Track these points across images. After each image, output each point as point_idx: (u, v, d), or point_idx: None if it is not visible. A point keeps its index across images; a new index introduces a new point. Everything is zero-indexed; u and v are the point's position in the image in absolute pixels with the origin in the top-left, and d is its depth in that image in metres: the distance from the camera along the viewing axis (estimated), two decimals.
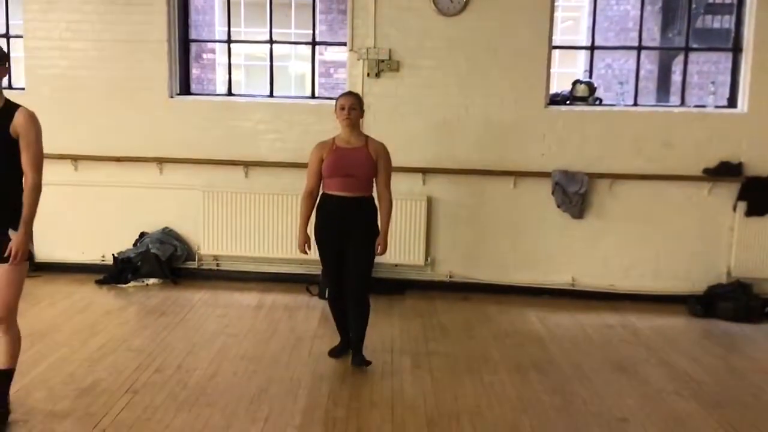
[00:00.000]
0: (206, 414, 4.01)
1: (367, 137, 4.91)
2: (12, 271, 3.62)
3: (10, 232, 3.60)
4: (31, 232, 3.69)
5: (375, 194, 4.87)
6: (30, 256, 3.78)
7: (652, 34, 10.92)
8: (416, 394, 4.36)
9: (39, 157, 3.68)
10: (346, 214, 4.76)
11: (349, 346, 4.93)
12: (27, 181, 3.65)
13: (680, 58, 10.64)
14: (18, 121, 3.61)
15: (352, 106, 4.80)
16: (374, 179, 4.84)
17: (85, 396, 4.20)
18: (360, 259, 4.78)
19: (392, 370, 4.76)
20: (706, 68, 11.39)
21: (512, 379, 4.67)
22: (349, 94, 5.03)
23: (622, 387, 4.58)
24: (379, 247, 4.81)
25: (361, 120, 4.93)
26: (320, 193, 4.90)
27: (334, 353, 5.01)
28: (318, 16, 7.61)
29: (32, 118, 3.67)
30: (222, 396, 4.25)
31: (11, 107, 3.66)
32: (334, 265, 4.84)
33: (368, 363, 4.80)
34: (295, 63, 13.54)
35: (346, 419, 4.00)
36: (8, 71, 3.96)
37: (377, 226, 4.85)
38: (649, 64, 11.35)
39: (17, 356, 3.84)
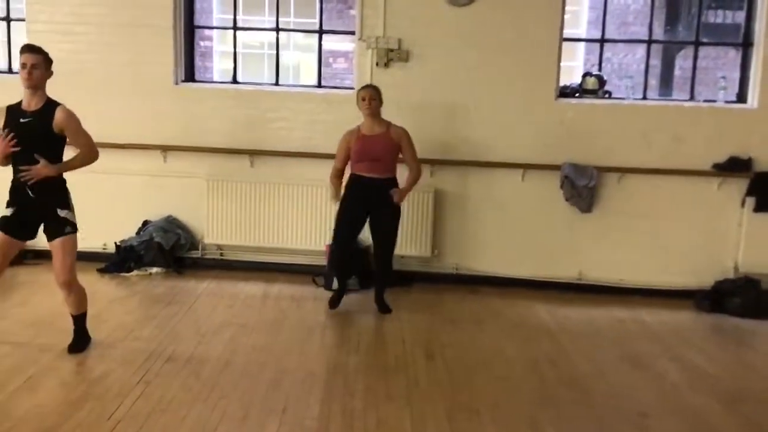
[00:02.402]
0: (222, 405, 3.94)
1: (388, 124, 5.61)
2: (66, 242, 4.36)
3: (59, 211, 4.35)
4: (72, 205, 4.47)
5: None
6: (75, 227, 4.45)
7: (654, 28, 10.90)
8: (432, 387, 4.31)
9: (88, 140, 4.49)
10: (372, 192, 5.51)
11: (344, 294, 5.79)
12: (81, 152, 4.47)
13: (683, 52, 10.71)
14: (58, 119, 4.31)
15: (372, 96, 5.53)
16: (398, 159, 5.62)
17: (97, 386, 4.13)
18: (389, 230, 5.61)
19: (405, 362, 4.72)
20: (705, 63, 11.41)
21: (527, 373, 4.64)
22: (369, 86, 5.69)
23: (638, 382, 4.56)
24: (396, 196, 5.53)
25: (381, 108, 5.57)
26: (349, 173, 5.62)
27: (333, 302, 5.71)
28: (322, 4, 7.49)
29: (70, 114, 4.38)
30: (236, 387, 4.19)
31: (51, 106, 4.35)
32: (348, 223, 5.59)
33: (390, 310, 5.68)
34: (292, 52, 13.44)
35: (364, 411, 3.95)
36: (52, 74, 4.46)
37: (399, 207, 5.63)
38: (652, 59, 11.34)
39: (86, 303, 4.61)
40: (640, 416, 4.05)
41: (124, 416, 3.77)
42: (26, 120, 4.31)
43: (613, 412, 4.09)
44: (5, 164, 4.38)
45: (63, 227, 4.37)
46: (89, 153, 4.48)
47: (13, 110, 4.35)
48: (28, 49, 4.35)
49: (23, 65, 4.28)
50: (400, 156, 5.66)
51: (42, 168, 4.29)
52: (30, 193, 4.33)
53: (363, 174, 5.52)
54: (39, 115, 4.30)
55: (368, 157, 5.49)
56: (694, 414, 4.11)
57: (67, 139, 4.47)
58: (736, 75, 6.62)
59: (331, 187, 5.77)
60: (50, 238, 4.40)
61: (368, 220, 5.65)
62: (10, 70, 6.83)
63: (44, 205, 4.36)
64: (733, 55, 11.20)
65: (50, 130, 4.29)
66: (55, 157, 4.38)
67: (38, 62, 4.31)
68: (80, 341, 4.63)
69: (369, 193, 5.53)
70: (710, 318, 6.05)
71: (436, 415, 3.95)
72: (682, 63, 10.95)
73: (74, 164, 4.46)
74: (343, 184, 5.67)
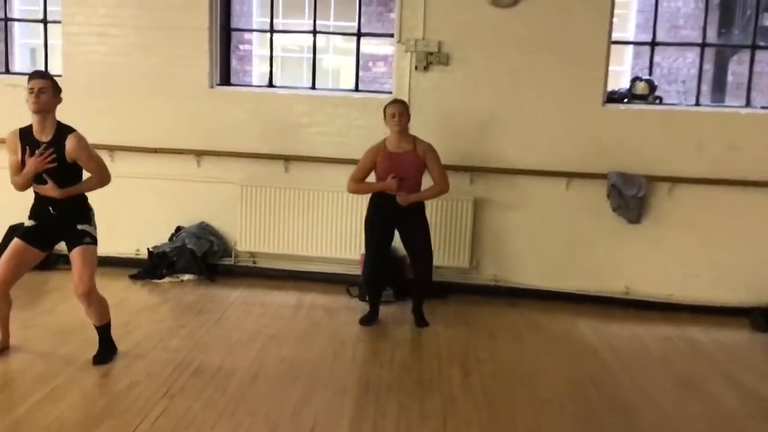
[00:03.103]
0: (247, 423, 3.76)
1: (414, 139, 5.37)
2: (84, 252, 4.32)
3: (78, 225, 4.34)
4: (95, 222, 4.47)
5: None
6: (95, 239, 4.43)
7: (706, 32, 10.50)
8: (469, 408, 4.08)
9: (99, 166, 4.41)
10: (398, 210, 5.30)
11: (377, 314, 5.54)
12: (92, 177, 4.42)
13: (737, 57, 10.28)
14: (69, 150, 4.23)
15: (402, 112, 5.28)
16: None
17: (121, 400, 3.98)
18: (421, 243, 5.41)
19: (441, 379, 4.49)
20: (759, 68, 10.96)
21: (570, 394, 4.37)
22: (397, 102, 5.40)
23: (690, 407, 4.26)
24: (401, 197, 5.24)
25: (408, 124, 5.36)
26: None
27: (365, 321, 5.47)
28: (361, 7, 7.30)
29: (80, 143, 4.28)
30: (264, 403, 4.01)
31: (62, 134, 4.24)
32: (379, 248, 5.43)
33: (427, 323, 5.49)
34: (332, 56, 13.30)
35: None
36: (60, 101, 4.34)
37: (425, 215, 5.46)
38: (703, 64, 10.93)
39: (108, 314, 4.52)
40: None
41: None
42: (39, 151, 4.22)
43: None
44: (27, 187, 4.33)
45: (82, 238, 4.36)
46: (100, 178, 4.42)
47: (27, 136, 4.26)
48: (35, 74, 4.27)
49: (30, 90, 4.18)
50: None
51: (49, 189, 4.27)
52: (51, 210, 4.35)
53: (389, 192, 5.30)
54: (52, 147, 4.22)
55: (397, 171, 5.26)
56: None
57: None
58: None
59: (369, 189, 5.43)
60: (70, 249, 4.38)
61: (399, 234, 5.47)
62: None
63: (64, 222, 4.36)
64: None
65: (63, 160, 4.24)
66: (74, 181, 4.36)
67: (46, 87, 4.19)
68: (105, 352, 4.51)
69: (394, 211, 5.31)
70: (767, 338, 5.69)
71: None
72: (735, 68, 10.52)
73: (83, 188, 4.42)
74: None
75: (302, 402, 4.04)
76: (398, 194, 5.27)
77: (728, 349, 5.35)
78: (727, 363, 5.05)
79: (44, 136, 4.23)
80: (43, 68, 6.86)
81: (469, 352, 4.99)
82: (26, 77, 4.29)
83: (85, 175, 4.43)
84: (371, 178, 5.45)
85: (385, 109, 5.35)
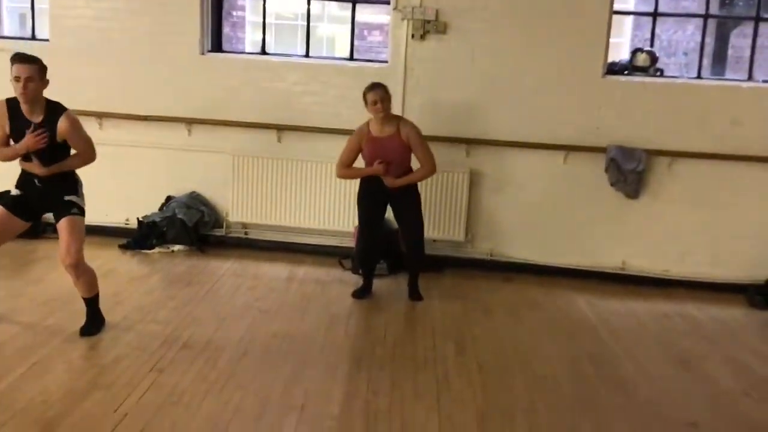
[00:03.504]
0: (237, 399, 3.69)
1: (398, 122, 5.22)
2: (71, 222, 4.22)
3: (65, 197, 4.25)
4: (82, 192, 4.39)
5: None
6: (83, 211, 4.34)
7: (704, 4, 10.34)
8: (463, 386, 4.01)
9: (87, 145, 4.31)
10: (388, 190, 5.23)
11: (371, 288, 5.47)
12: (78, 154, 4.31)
13: (738, 30, 10.13)
14: (61, 130, 4.13)
15: (383, 98, 5.08)
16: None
17: (108, 373, 3.90)
18: (412, 224, 5.33)
19: (435, 356, 4.41)
20: (759, 42, 10.81)
21: (567, 372, 4.30)
22: (376, 86, 5.14)
23: (687, 386, 4.20)
24: (387, 180, 5.15)
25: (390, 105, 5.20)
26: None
27: (357, 294, 5.39)
28: None
29: (73, 124, 4.18)
30: (254, 378, 3.93)
31: (54, 115, 4.12)
32: (371, 223, 5.36)
33: (422, 298, 5.40)
34: (326, 24, 13.09)
35: (389, 412, 3.66)
36: (48, 83, 4.16)
37: (417, 191, 5.34)
38: (700, 36, 10.77)
39: (96, 285, 4.42)
40: (689, 426, 3.71)
41: (132, 408, 3.53)
42: (31, 132, 4.11)
43: (660, 421, 3.75)
44: (13, 160, 4.25)
45: (69, 209, 4.26)
46: (87, 157, 4.32)
47: (15, 111, 4.11)
48: (19, 59, 4.05)
49: (17, 78, 4.00)
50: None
51: (34, 167, 4.21)
52: (37, 182, 4.27)
53: (379, 157, 5.19)
54: (44, 127, 4.10)
55: (383, 156, 5.15)
56: (751, 427, 3.75)
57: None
58: None
59: (357, 173, 5.33)
60: (57, 220, 4.29)
61: (391, 209, 5.38)
62: (33, 37, 6.60)
63: (50, 194, 4.28)
64: None
65: (54, 141, 4.14)
66: (61, 158, 4.26)
67: (33, 74, 4.02)
68: (93, 324, 4.42)
69: (385, 189, 5.23)
70: (764, 315, 5.63)
71: (467, 418, 3.65)
72: (735, 41, 10.37)
73: (67, 165, 4.29)
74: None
75: (293, 378, 3.96)
76: (385, 178, 5.18)
77: (724, 327, 5.29)
78: (723, 340, 5.00)
79: (35, 117, 4.12)
80: (30, 32, 6.71)
81: (464, 328, 4.92)
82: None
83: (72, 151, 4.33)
84: (360, 161, 5.35)
85: (365, 95, 5.15)
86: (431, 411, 3.69)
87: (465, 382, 4.06)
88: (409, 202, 5.31)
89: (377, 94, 5.07)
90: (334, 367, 4.14)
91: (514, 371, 4.27)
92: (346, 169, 5.33)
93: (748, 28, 8.94)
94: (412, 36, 6.06)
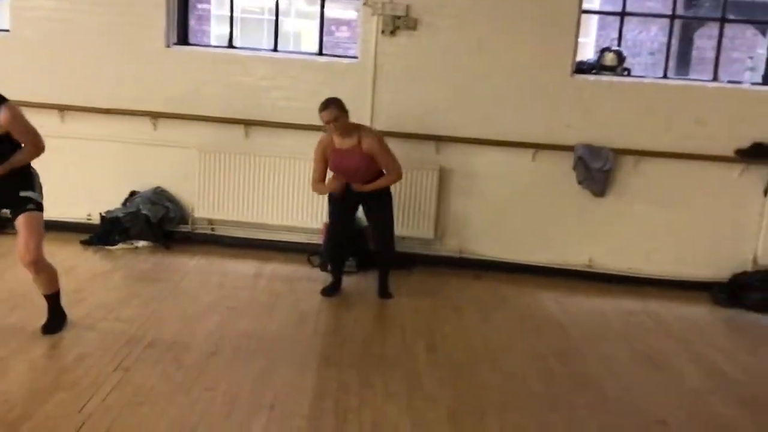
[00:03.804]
0: (205, 399, 3.62)
1: (359, 133, 5.07)
2: (29, 219, 4.09)
3: (21, 192, 4.10)
4: (40, 187, 4.25)
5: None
6: (41, 206, 4.21)
7: (669, 5, 10.48)
8: (434, 384, 3.99)
9: (34, 138, 4.10)
10: (358, 196, 5.21)
11: (340, 286, 5.41)
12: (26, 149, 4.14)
13: (701, 31, 10.28)
14: (3, 122, 3.93)
15: (336, 117, 4.94)
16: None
17: (70, 372, 3.80)
18: (383, 223, 5.30)
19: (406, 354, 4.39)
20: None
21: (537, 370, 4.31)
22: (328, 105, 4.99)
23: (655, 384, 4.23)
24: (356, 186, 5.12)
25: (347, 120, 5.05)
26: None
27: (326, 291, 5.32)
28: None
29: (14, 115, 3.98)
30: (222, 378, 3.86)
31: None
32: (341, 219, 5.32)
33: (391, 295, 5.37)
34: (293, 20, 12.96)
35: (359, 411, 3.62)
36: None
37: (389, 191, 5.26)
38: (664, 37, 10.91)
39: (57, 282, 4.31)
40: (658, 424, 3.75)
41: (96, 409, 3.44)
42: None
43: (629, 419, 3.77)
44: None
45: (25, 205, 4.12)
46: (35, 148, 4.14)
47: None
48: None
49: None
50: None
51: None
52: None
53: (344, 171, 5.16)
54: None
55: (344, 172, 5.12)
56: (720, 425, 3.79)
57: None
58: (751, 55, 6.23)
59: (322, 189, 5.29)
60: (14, 217, 4.16)
61: (362, 207, 5.34)
62: None
63: (5, 190, 4.13)
64: (750, 35, 10.81)
65: None
66: (11, 150, 4.07)
67: None
68: (54, 321, 4.30)
69: (354, 193, 5.20)
70: (727, 313, 5.72)
71: (439, 416, 3.63)
72: (698, 42, 10.53)
73: (17, 162, 4.10)
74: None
75: (262, 377, 3.90)
76: (352, 185, 5.15)
77: (690, 324, 5.36)
78: (689, 338, 5.05)
79: None
80: None
81: (434, 326, 4.90)
82: None
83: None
84: None
85: (319, 113, 5.01)
86: (402, 409, 3.66)
87: (436, 380, 4.04)
88: (380, 201, 5.26)
89: (330, 114, 4.93)
90: (303, 366, 4.09)
91: (485, 369, 4.27)
92: (318, 184, 5.26)
93: (710, 29, 9.08)
94: (382, 32, 6.02)
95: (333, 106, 4.97)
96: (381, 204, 5.27)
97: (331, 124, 4.96)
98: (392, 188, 5.35)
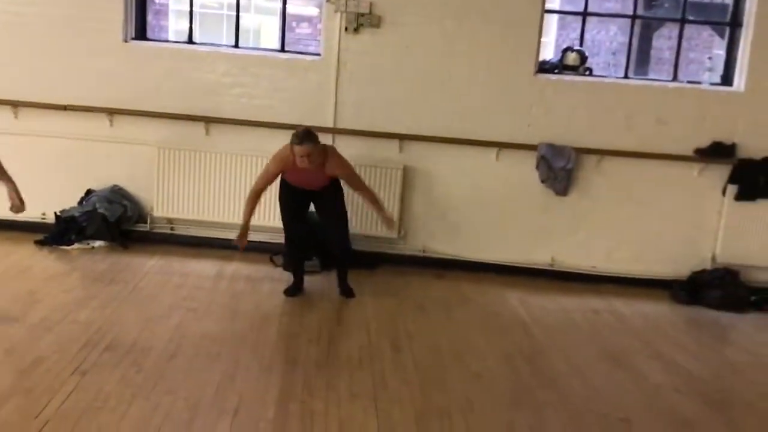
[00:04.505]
0: (166, 403, 3.52)
1: (325, 157, 4.94)
2: None
3: None
4: None
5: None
6: None
7: (628, 5, 10.62)
8: (400, 385, 3.95)
9: None
10: (308, 194, 5.18)
11: (302, 285, 5.33)
12: None
13: (659, 31, 10.44)
14: None
15: (309, 153, 4.77)
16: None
17: (26, 377, 3.67)
18: (335, 218, 5.26)
19: (371, 354, 4.34)
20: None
21: (502, 369, 4.31)
22: (306, 139, 4.78)
23: (618, 382, 4.26)
24: (388, 224, 5.25)
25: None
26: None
27: (289, 292, 5.25)
28: None
29: None
30: (184, 382, 3.77)
31: None
32: (293, 216, 5.22)
33: (354, 294, 5.30)
34: (253, 15, 12.83)
35: (325, 413, 3.57)
36: None
37: (340, 185, 5.20)
38: (622, 37, 11.06)
39: None
40: (622, 422, 3.76)
41: (54, 415, 3.32)
42: None
43: (593, 417, 3.78)
44: None
45: None
46: None
47: None
48: None
49: None
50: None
51: None
52: None
53: (297, 186, 5.12)
54: None
55: (301, 184, 5.09)
56: (681, 420, 3.82)
57: None
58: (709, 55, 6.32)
59: (243, 216, 5.16)
60: None
61: (314, 204, 5.29)
62: None
63: None
64: (707, 36, 11.01)
65: None
66: None
67: None
68: None
69: (305, 193, 5.17)
70: (687, 310, 5.79)
71: (405, 417, 3.59)
72: (656, 42, 10.68)
73: None
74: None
75: (225, 381, 3.81)
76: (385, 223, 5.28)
77: (652, 322, 5.42)
78: (651, 336, 5.10)
79: None
80: None
81: (399, 325, 4.87)
82: None
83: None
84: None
85: (292, 146, 4.80)
86: (369, 411, 3.62)
87: (402, 380, 4.01)
88: (331, 196, 5.18)
89: (304, 149, 4.75)
90: (267, 368, 4.02)
91: (450, 368, 4.25)
92: (254, 198, 5.11)
93: (668, 30, 9.20)
94: (346, 29, 5.97)
95: (308, 142, 4.77)
96: (332, 198, 5.19)
97: (304, 158, 4.78)
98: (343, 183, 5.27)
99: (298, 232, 5.31)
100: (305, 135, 4.81)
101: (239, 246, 5.18)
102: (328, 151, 5.05)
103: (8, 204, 4.54)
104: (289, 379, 3.93)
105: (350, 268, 5.46)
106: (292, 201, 5.21)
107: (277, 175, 5.08)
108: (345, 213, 5.30)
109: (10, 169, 4.53)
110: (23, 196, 4.51)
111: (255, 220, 6.02)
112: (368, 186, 5.30)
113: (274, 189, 5.85)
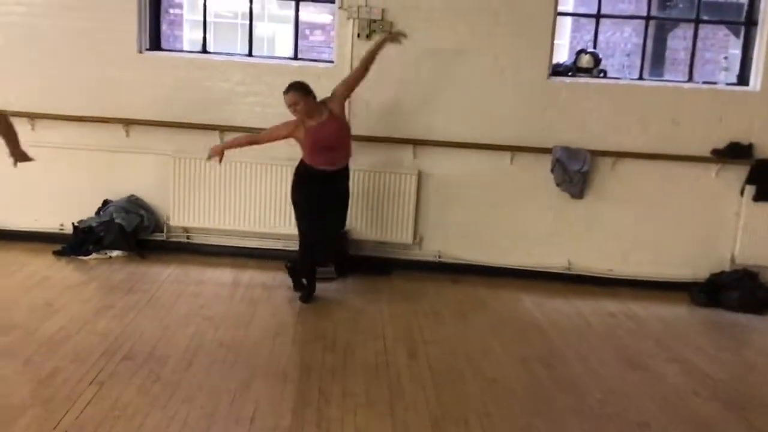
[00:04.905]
0: (183, 412, 3.54)
1: (326, 106, 5.12)
2: None
3: None
4: None
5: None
6: None
7: (642, 6, 10.55)
8: (416, 391, 3.95)
9: None
10: (327, 185, 5.18)
11: (314, 289, 5.38)
12: None
13: (674, 32, 10.37)
14: None
15: (295, 102, 4.96)
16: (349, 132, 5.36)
17: (44, 387, 3.71)
18: (338, 223, 5.42)
19: (387, 361, 4.34)
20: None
21: (518, 374, 4.29)
22: (290, 88, 5.02)
23: (636, 385, 4.22)
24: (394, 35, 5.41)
25: (312, 103, 5.05)
26: (302, 162, 5.22)
27: (304, 298, 5.31)
28: None
29: None
30: (200, 390, 3.78)
31: None
32: (316, 223, 5.22)
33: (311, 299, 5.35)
34: (267, 24, 12.89)
35: (342, 420, 3.57)
36: None
37: (349, 190, 5.43)
38: (637, 38, 10.99)
39: None
40: (641, 426, 3.73)
41: (71, 425, 3.36)
42: None
43: (611, 422, 3.76)
44: None
45: None
46: None
47: None
48: None
49: None
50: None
51: None
52: None
53: (319, 168, 5.13)
54: None
55: (326, 147, 5.09)
56: (701, 424, 3.79)
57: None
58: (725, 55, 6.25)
59: (230, 141, 5.44)
60: None
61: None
62: None
63: None
64: (722, 36, 10.91)
65: None
66: None
67: None
68: None
69: (325, 185, 5.17)
70: (706, 313, 5.74)
71: (422, 424, 3.59)
72: (671, 43, 10.61)
73: None
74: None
75: (241, 389, 3.83)
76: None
77: (669, 325, 5.37)
78: (669, 339, 5.05)
79: None
80: None
81: (415, 331, 4.86)
82: None
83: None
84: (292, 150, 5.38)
85: (283, 95, 5.06)
86: (385, 418, 3.62)
87: (418, 387, 4.00)
88: (343, 196, 5.35)
89: (290, 98, 4.98)
90: (283, 376, 4.03)
91: (466, 374, 4.24)
92: (246, 141, 5.41)
93: (683, 30, 9.13)
94: (358, 35, 5.98)
95: (293, 90, 4.99)
96: (344, 203, 5.38)
97: (292, 108, 4.98)
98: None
99: (318, 236, 5.27)
100: (291, 84, 5.04)
101: (210, 155, 5.25)
102: (326, 100, 5.19)
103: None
104: (305, 386, 3.94)
105: (366, 274, 5.49)
106: (314, 206, 5.20)
107: (284, 137, 5.18)
108: (345, 221, 5.54)
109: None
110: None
111: (269, 228, 6.08)
112: (358, 67, 5.33)
113: (289, 196, 5.91)
